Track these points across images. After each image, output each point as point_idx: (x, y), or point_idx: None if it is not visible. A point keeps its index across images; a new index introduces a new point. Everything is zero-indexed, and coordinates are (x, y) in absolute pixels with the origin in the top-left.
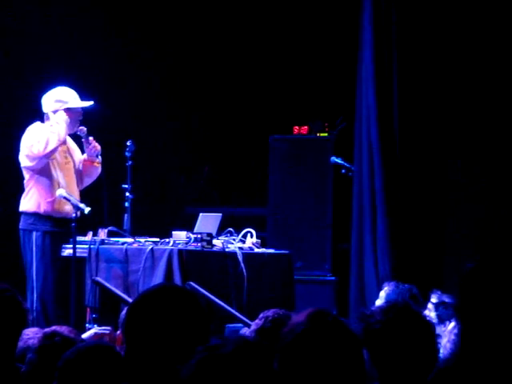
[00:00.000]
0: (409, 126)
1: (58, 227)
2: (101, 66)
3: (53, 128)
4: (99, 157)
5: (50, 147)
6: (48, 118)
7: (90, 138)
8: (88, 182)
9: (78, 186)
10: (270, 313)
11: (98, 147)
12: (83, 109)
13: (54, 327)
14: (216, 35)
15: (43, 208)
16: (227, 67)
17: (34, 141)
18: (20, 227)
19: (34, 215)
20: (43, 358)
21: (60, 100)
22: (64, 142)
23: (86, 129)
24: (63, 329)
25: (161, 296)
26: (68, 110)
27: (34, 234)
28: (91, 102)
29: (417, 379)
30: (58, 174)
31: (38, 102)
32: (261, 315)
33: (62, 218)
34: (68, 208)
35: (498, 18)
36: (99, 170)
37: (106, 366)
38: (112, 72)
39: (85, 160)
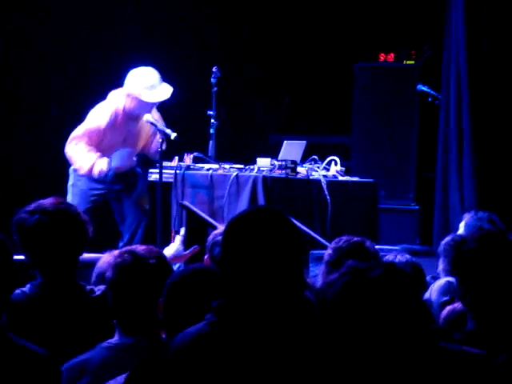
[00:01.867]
0: (499, 53)
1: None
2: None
3: (96, 165)
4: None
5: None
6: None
7: (157, 136)
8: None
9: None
10: (342, 243)
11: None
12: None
13: (129, 247)
14: None
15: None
16: None
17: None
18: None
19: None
20: (118, 275)
21: (142, 88)
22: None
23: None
24: (138, 247)
25: (257, 217)
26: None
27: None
28: (163, 98)
29: (509, 309)
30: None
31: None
32: (332, 245)
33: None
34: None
35: None
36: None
37: (214, 289)
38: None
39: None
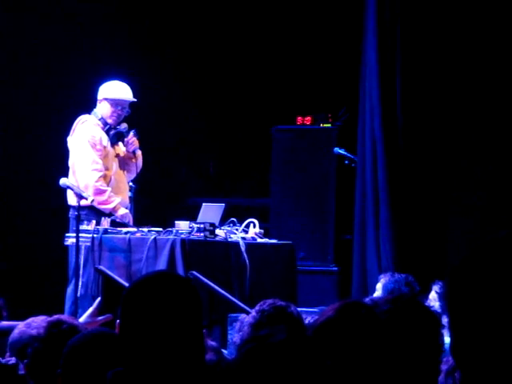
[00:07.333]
0: (412, 116)
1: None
2: (108, 55)
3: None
4: (137, 152)
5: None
6: (100, 102)
7: (130, 135)
8: (130, 177)
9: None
10: (265, 306)
11: (136, 143)
12: (130, 107)
13: (56, 316)
14: (219, 25)
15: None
16: (232, 57)
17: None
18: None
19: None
20: (50, 346)
21: (112, 95)
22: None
23: (126, 125)
24: (66, 317)
25: (155, 282)
26: (116, 104)
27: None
28: (134, 99)
29: (421, 371)
30: (111, 168)
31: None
32: (257, 308)
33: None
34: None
35: (500, 15)
36: (139, 165)
37: (111, 353)
38: (120, 63)
39: (124, 156)
